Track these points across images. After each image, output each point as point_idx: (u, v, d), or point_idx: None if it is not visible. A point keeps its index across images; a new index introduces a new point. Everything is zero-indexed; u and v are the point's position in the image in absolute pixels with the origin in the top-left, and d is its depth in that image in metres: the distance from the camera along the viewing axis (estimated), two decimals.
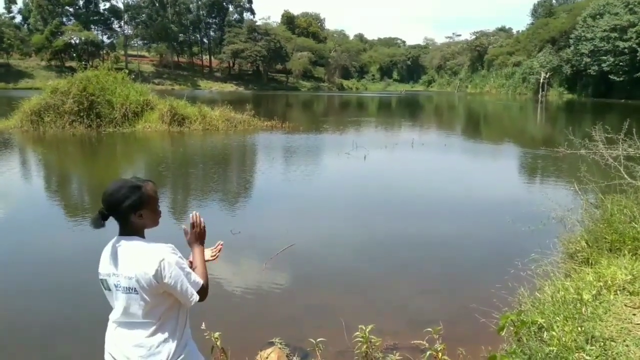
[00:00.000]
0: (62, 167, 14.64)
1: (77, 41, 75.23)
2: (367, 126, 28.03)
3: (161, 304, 2.15)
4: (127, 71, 22.97)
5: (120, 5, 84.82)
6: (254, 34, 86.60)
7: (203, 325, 3.76)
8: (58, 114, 20.25)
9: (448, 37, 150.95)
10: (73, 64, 57.60)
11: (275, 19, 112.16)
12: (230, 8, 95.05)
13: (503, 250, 6.97)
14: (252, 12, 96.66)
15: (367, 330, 3.85)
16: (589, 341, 3.23)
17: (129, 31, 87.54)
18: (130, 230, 2.18)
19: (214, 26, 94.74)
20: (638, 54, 57.61)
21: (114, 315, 2.24)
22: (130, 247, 2.15)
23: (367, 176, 12.96)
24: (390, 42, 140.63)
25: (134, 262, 2.11)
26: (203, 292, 2.26)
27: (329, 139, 21.33)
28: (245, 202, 10.42)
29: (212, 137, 19.90)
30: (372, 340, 3.85)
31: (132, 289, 2.11)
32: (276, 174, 13.16)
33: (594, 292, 4.05)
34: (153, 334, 2.16)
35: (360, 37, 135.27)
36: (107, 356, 2.26)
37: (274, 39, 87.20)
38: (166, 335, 2.17)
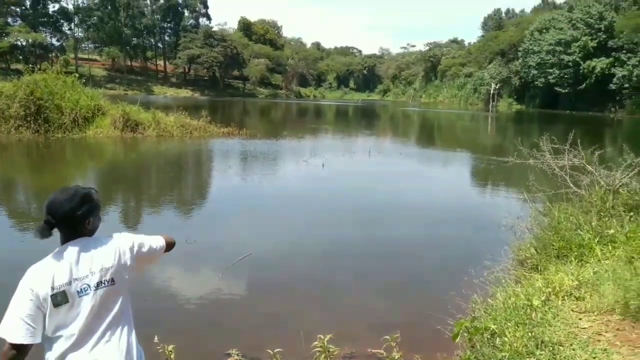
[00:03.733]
0: (6, 173, 13.97)
1: (24, 43, 72.19)
2: (325, 134, 28.18)
3: (127, 291, 2.23)
4: (77, 75, 22.13)
5: (71, 7, 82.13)
6: (210, 39, 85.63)
7: (156, 338, 3.66)
8: (3, 118, 19.33)
9: (403, 47, 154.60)
10: (19, 66, 55.23)
11: (232, 25, 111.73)
12: (186, 13, 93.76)
13: (457, 258, 7.13)
14: (208, 18, 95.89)
15: (325, 339, 3.85)
16: (539, 346, 3.34)
17: (80, 34, 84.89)
18: (80, 234, 2.18)
19: (169, 31, 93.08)
20: (581, 68, 60.60)
21: (73, 329, 2.07)
22: (93, 244, 2.18)
23: (325, 184, 13.01)
24: (346, 51, 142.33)
25: (107, 251, 2.17)
26: (169, 242, 2.50)
27: (287, 146, 21.30)
28: (200, 210, 10.25)
29: (167, 144, 19.50)
30: (330, 350, 3.85)
31: (108, 281, 2.13)
32: (233, 181, 13.02)
33: (543, 297, 4.20)
34: (124, 327, 2.19)
35: (317, 46, 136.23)
36: None
37: (231, 45, 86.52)
38: (131, 328, 2.24)
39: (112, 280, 2.14)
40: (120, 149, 18.39)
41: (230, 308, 5.49)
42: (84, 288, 2.08)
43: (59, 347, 2.07)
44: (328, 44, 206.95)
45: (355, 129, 33.12)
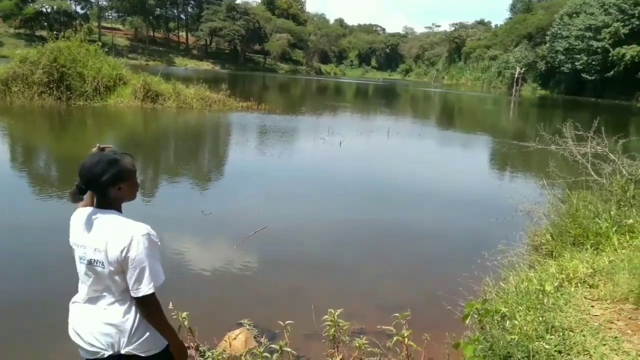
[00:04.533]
0: (30, 139, 14.22)
1: (49, 10, 72.69)
2: (344, 112, 28.04)
3: (124, 279, 2.11)
4: (100, 44, 22.27)
5: None
6: (233, 12, 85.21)
7: (170, 305, 3.74)
8: (27, 84, 19.60)
9: (427, 27, 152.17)
10: (44, 33, 55.72)
11: None
12: None
13: (471, 240, 7.12)
14: None
15: (336, 314, 3.90)
16: (549, 331, 3.35)
17: (104, 2, 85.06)
18: (108, 203, 2.16)
19: (192, 2, 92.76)
20: (610, 55, 58.91)
21: (78, 289, 2.24)
22: (106, 220, 2.13)
23: (342, 163, 13.00)
24: (369, 29, 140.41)
25: (106, 233, 2.09)
26: (151, 300, 2.11)
27: (305, 122, 21.26)
28: (217, 182, 10.34)
29: (186, 116, 19.61)
30: (340, 324, 3.90)
31: (98, 262, 2.10)
32: (250, 155, 13.09)
33: (556, 284, 4.18)
34: (114, 307, 2.15)
35: (340, 22, 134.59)
36: (70, 332, 2.24)
37: (253, 19, 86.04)
38: (128, 309, 2.15)
39: (101, 263, 2.10)
40: (140, 119, 18.55)
41: (244, 280, 5.58)
42: (83, 256, 2.15)
43: (78, 288, 2.26)
44: (351, 20, 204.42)
45: (374, 108, 32.87)
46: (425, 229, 7.80)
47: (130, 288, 2.10)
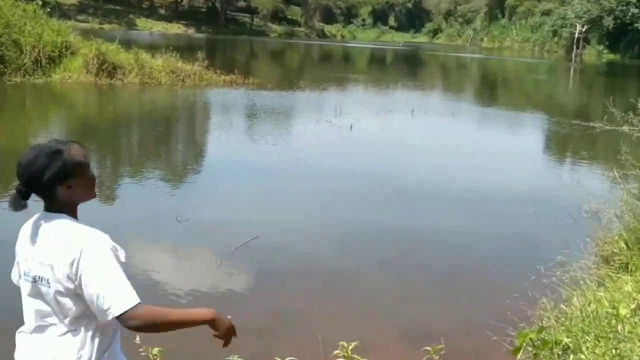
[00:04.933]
0: None
1: None
2: (355, 86, 28.00)
3: (78, 303, 2.08)
4: (40, 2, 22.31)
5: None
6: None
7: (138, 338, 3.74)
8: None
9: None
10: None
11: None
12: None
13: (522, 251, 7.10)
14: None
15: (350, 348, 3.89)
16: None
17: None
18: (57, 206, 2.13)
19: None
20: None
21: (24, 316, 2.23)
22: (53, 227, 2.11)
23: (354, 151, 12.98)
24: None
25: (53, 243, 2.07)
26: (137, 317, 2.00)
27: (306, 100, 21.26)
28: (194, 179, 10.36)
29: (153, 94, 19.63)
30: None
31: (43, 279, 2.08)
32: (236, 145, 13.09)
33: (633, 305, 4.16)
34: (65, 339, 2.13)
35: None
36: None
37: None
38: (82, 342, 2.13)
39: (47, 281, 2.08)
40: (94, 99, 18.59)
41: (231, 303, 5.59)
42: (27, 272, 2.15)
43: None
44: None
45: (394, 81, 32.81)
46: (460, 236, 7.77)
47: (97, 314, 2.05)
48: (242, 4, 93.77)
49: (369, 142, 14.13)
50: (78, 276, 2.03)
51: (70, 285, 2.05)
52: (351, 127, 14.95)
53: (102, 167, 10.72)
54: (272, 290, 5.98)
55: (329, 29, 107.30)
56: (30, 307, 2.19)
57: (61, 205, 2.13)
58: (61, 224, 2.11)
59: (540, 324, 4.28)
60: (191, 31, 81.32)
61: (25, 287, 2.18)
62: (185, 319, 2.21)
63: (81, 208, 2.23)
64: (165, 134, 14.25)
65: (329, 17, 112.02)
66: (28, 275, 2.14)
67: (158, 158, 11.86)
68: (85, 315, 2.11)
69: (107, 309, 1.99)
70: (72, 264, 2.02)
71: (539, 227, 7.24)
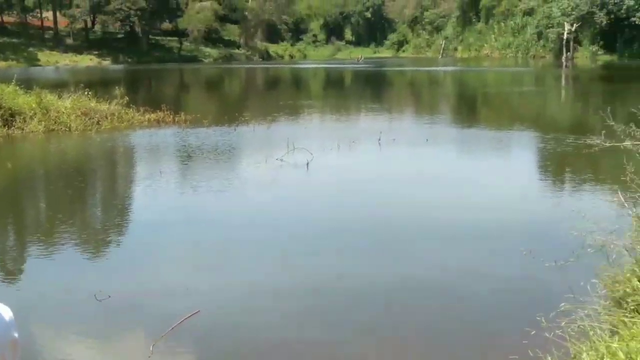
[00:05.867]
0: None
1: None
2: (310, 115, 28.24)
3: None
4: None
5: None
6: None
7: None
8: None
9: None
10: None
11: None
12: None
13: (518, 300, 7.14)
14: None
15: None
16: None
17: None
18: None
19: None
20: None
21: None
22: None
23: (312, 195, 13.01)
24: None
25: None
26: None
27: (252, 136, 21.24)
28: (118, 245, 10.18)
29: (62, 142, 19.43)
30: None
31: None
32: (168, 197, 12.99)
33: None
34: None
35: None
36: None
37: None
38: None
39: None
40: None
41: None
42: None
43: None
44: None
45: (356, 105, 33.23)
46: (444, 287, 7.81)
47: None
48: (167, 25, 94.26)
49: (329, 181, 14.16)
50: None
51: None
52: (307, 164, 14.97)
53: (1, 240, 10.50)
54: None
55: (274, 48, 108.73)
56: None
57: None
58: None
59: None
60: (106, 62, 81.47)
61: None
62: None
63: None
64: (79, 191, 14.02)
65: (273, 34, 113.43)
66: None
67: (71, 221, 11.62)
68: None
69: None
70: None
71: (536, 269, 7.26)
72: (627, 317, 5.40)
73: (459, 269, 8.37)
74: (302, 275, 8.35)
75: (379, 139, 18.23)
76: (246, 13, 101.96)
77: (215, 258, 9.11)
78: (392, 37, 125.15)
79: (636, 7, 66.61)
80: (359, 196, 12.81)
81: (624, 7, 68.32)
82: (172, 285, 7.99)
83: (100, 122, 21.59)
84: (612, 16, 71.91)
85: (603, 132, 7.98)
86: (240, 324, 6.97)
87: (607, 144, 7.82)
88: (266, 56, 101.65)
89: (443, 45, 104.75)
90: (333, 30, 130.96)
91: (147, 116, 22.92)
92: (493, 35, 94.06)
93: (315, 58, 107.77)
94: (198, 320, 6.72)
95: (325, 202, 12.35)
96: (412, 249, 9.34)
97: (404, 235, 10.06)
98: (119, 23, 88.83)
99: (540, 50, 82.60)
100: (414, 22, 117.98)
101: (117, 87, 24.47)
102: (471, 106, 33.83)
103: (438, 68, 69.73)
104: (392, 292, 7.70)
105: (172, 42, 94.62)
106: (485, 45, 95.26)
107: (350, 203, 12.20)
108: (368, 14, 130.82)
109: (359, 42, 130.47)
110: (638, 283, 5.73)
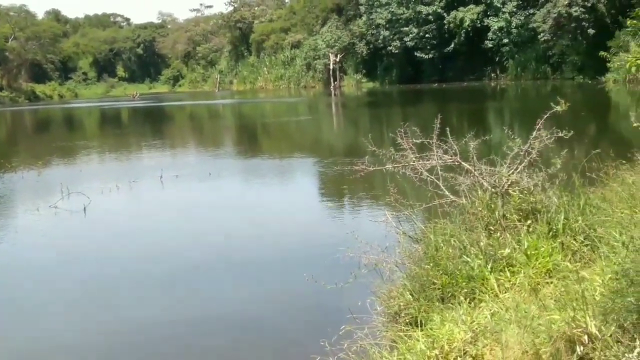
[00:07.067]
0: None
1: None
2: (86, 156, 27.22)
3: None
4: None
5: None
6: None
7: None
8: None
9: (194, 9, 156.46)
10: None
11: None
12: None
13: (301, 328, 7.25)
14: None
15: None
16: None
17: None
18: None
19: None
20: (446, 22, 66.85)
21: None
22: None
23: (93, 243, 12.41)
24: (105, 21, 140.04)
25: None
26: None
27: (20, 184, 19.97)
28: None
29: None
30: None
31: None
32: None
33: None
34: None
35: (55, 16, 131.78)
36: None
37: None
38: None
39: None
40: None
41: None
42: None
43: None
44: (73, 11, 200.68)
45: (135, 143, 32.51)
46: (229, 320, 7.80)
47: None
48: None
49: (107, 225, 13.65)
50: None
51: None
52: (85, 209, 14.36)
53: None
54: None
55: (41, 89, 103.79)
56: None
57: None
58: None
59: None
60: None
61: None
62: None
63: None
64: None
65: (39, 74, 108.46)
66: None
67: None
68: None
69: None
70: None
71: (319, 294, 7.41)
72: (403, 330, 5.68)
73: (245, 301, 8.39)
74: (78, 326, 7.96)
75: (161, 176, 17.95)
76: (7, 53, 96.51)
77: None
78: (167, 73, 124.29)
79: (391, 37, 71.42)
80: (139, 237, 12.57)
81: (381, 37, 73.12)
82: None
83: None
84: (371, 46, 77.09)
85: (366, 157, 8.41)
86: None
87: (371, 168, 8.26)
88: (33, 97, 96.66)
89: (218, 79, 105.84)
90: (104, 68, 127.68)
91: None
92: (265, 68, 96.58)
93: (87, 97, 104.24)
94: None
95: (108, 247, 11.86)
96: (198, 284, 9.23)
97: (176, 269, 9.99)
98: None
99: (310, 81, 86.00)
100: (187, 57, 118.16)
101: None
102: (252, 137, 34.34)
103: (216, 101, 70.14)
104: (164, 336, 7.56)
105: None
106: (260, 77, 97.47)
107: (129, 246, 11.90)
108: (140, 50, 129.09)
109: (132, 78, 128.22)
110: (410, 296, 6.04)
